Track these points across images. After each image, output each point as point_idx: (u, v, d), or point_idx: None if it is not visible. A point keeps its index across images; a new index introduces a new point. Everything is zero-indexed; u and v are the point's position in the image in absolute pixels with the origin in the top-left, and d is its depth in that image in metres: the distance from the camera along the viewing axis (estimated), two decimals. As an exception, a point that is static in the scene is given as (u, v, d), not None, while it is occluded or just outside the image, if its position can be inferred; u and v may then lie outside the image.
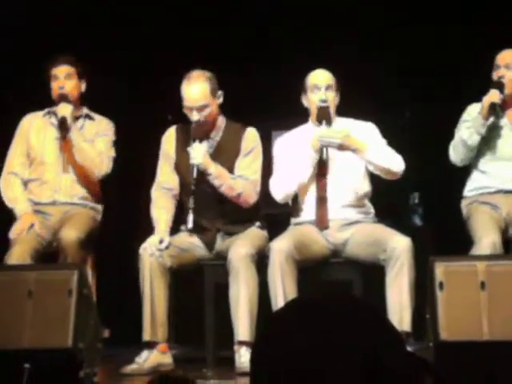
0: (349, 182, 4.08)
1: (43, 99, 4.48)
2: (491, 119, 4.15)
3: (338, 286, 4.10)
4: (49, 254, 4.21)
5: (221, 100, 4.17)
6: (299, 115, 4.22)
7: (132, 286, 4.07)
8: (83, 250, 4.13)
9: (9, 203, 4.37)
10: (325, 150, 4.02)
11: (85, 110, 4.52)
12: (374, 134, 4.14)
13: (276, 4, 5.42)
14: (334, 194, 4.06)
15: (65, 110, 4.33)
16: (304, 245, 3.93)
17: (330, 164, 4.08)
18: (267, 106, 5.12)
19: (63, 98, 4.36)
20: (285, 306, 1.84)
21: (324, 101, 4.06)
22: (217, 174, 4.06)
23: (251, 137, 4.20)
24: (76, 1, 5.44)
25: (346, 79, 4.17)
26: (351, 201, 4.08)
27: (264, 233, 4.19)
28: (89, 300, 3.45)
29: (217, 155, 4.13)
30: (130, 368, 3.90)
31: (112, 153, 4.47)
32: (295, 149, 4.08)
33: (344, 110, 4.20)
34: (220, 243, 4.15)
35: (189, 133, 4.15)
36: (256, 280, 3.92)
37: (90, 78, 4.49)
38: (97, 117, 4.53)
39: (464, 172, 4.32)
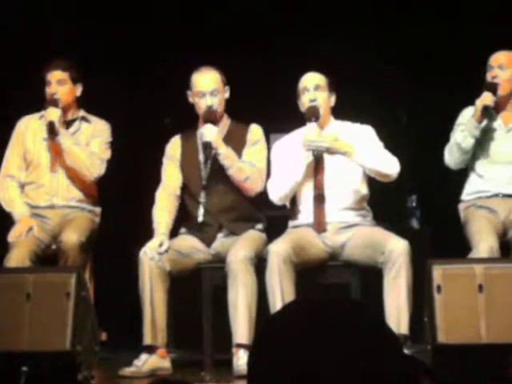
0: (347, 185, 4.08)
1: (43, 100, 4.47)
2: (485, 122, 4.16)
3: (335, 289, 4.10)
4: (47, 257, 4.21)
5: (227, 95, 4.23)
6: (297, 118, 4.22)
7: (130, 288, 4.07)
8: (84, 252, 4.13)
9: (6, 206, 4.35)
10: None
11: (81, 113, 4.50)
12: (370, 137, 4.14)
13: (275, 6, 5.44)
14: (331, 196, 4.06)
15: (52, 114, 4.31)
16: (302, 248, 3.93)
17: (327, 167, 4.09)
18: (265, 108, 5.12)
19: (52, 103, 4.34)
20: (282, 308, 1.84)
21: (312, 100, 4.08)
22: (227, 154, 4.09)
23: (256, 131, 4.28)
24: (76, 1, 5.44)
25: (346, 79, 4.17)
26: (349, 204, 4.08)
27: (263, 235, 4.19)
28: (87, 303, 3.45)
29: None
30: (129, 370, 3.89)
31: (106, 155, 4.44)
32: (293, 152, 4.08)
33: (342, 111, 4.20)
34: (219, 244, 4.15)
35: (193, 139, 4.21)
36: (255, 283, 3.92)
37: (88, 81, 4.48)
38: (93, 119, 4.52)
39: (462, 175, 4.32)
